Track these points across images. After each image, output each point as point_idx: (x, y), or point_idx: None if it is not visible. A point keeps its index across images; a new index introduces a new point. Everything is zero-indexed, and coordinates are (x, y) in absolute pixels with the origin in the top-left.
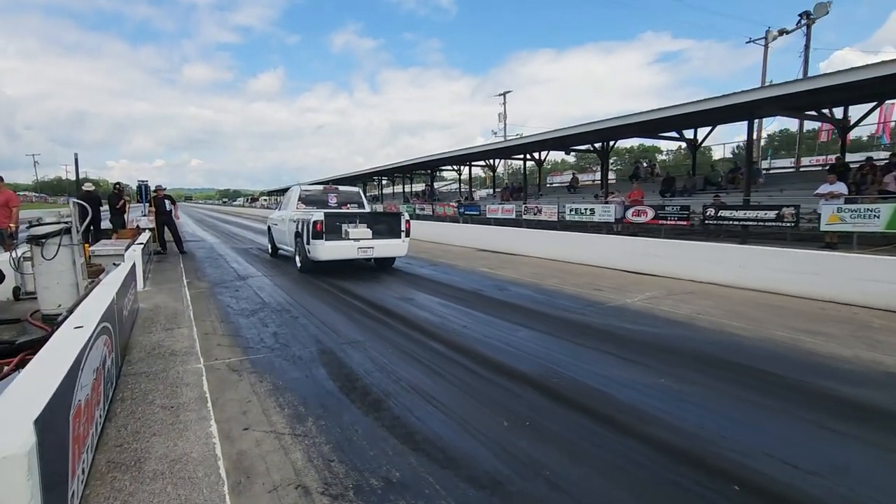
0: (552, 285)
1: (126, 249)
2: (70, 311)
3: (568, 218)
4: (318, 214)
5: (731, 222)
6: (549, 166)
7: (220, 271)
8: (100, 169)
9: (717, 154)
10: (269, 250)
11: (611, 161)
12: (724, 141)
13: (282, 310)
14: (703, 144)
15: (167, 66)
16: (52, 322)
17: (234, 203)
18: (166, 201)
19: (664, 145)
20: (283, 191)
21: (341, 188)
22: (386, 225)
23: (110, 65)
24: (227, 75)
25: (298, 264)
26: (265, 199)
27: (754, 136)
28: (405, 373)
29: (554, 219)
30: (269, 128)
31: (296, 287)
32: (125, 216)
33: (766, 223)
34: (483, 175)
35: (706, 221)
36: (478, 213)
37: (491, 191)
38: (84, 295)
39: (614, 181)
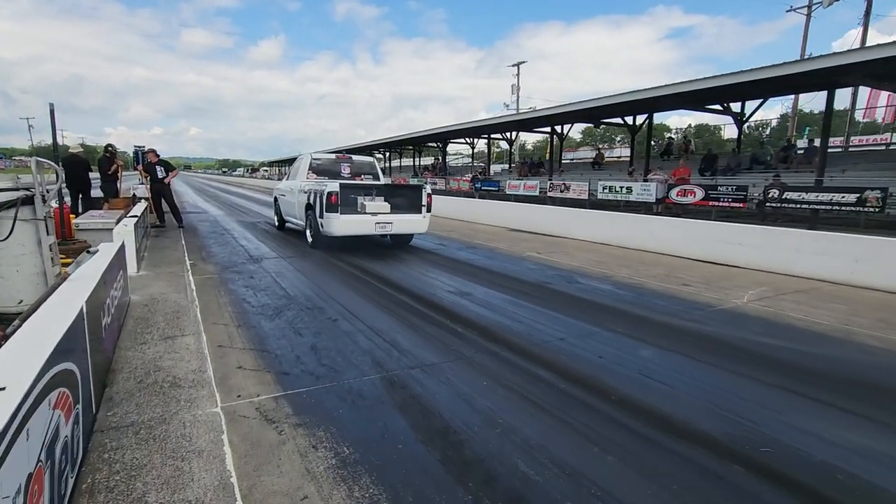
0: (627, 277)
1: (117, 222)
2: (30, 313)
3: (600, 196)
4: (332, 185)
5: (796, 205)
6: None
7: (227, 250)
8: (97, 135)
9: (728, 133)
10: (276, 223)
11: (627, 138)
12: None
13: (313, 307)
14: (751, 118)
15: (165, 30)
16: (7, 323)
17: (234, 173)
18: (158, 168)
19: (673, 123)
20: (286, 161)
21: (355, 157)
22: (405, 199)
23: (106, 27)
24: (227, 42)
25: (310, 239)
26: (266, 170)
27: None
28: (531, 430)
29: (583, 196)
30: (270, 97)
31: (321, 273)
32: (118, 183)
33: (842, 207)
34: (492, 150)
35: (767, 203)
36: (496, 188)
37: (506, 166)
38: (50, 290)
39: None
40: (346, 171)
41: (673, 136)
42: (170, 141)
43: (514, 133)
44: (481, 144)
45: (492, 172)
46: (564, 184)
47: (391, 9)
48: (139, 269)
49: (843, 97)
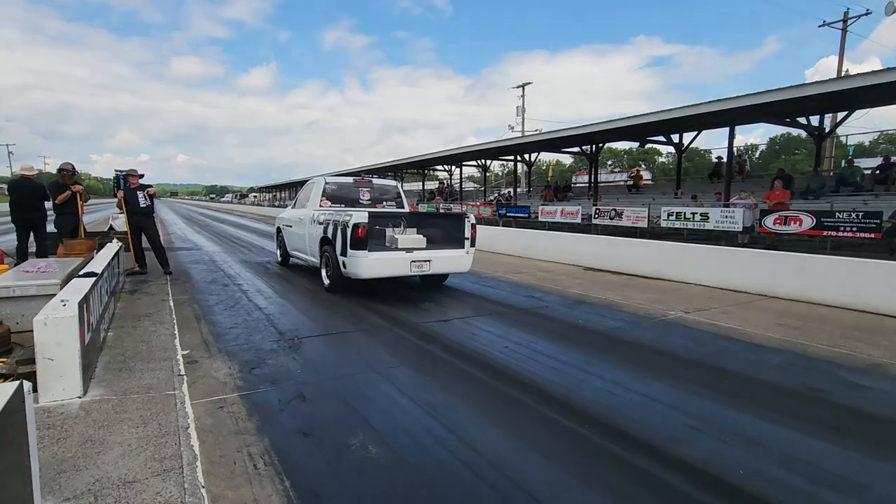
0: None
1: (64, 282)
2: None
3: (664, 224)
4: (359, 215)
5: None
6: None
7: (240, 318)
8: (84, 163)
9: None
10: (279, 257)
11: (618, 162)
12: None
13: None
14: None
15: (155, 58)
16: None
17: (223, 199)
18: (139, 195)
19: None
20: (277, 187)
21: (376, 181)
22: (443, 230)
23: (95, 56)
24: (218, 70)
25: (326, 281)
26: (255, 196)
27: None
28: None
29: (639, 224)
30: (259, 123)
31: (428, 379)
32: (79, 215)
33: None
34: (483, 174)
35: None
36: (525, 215)
37: (519, 189)
38: None
39: (649, 181)
40: (365, 196)
41: (720, 157)
42: (157, 167)
43: (533, 155)
44: (464, 168)
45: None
46: (615, 210)
47: (380, 38)
48: (86, 387)
49: None
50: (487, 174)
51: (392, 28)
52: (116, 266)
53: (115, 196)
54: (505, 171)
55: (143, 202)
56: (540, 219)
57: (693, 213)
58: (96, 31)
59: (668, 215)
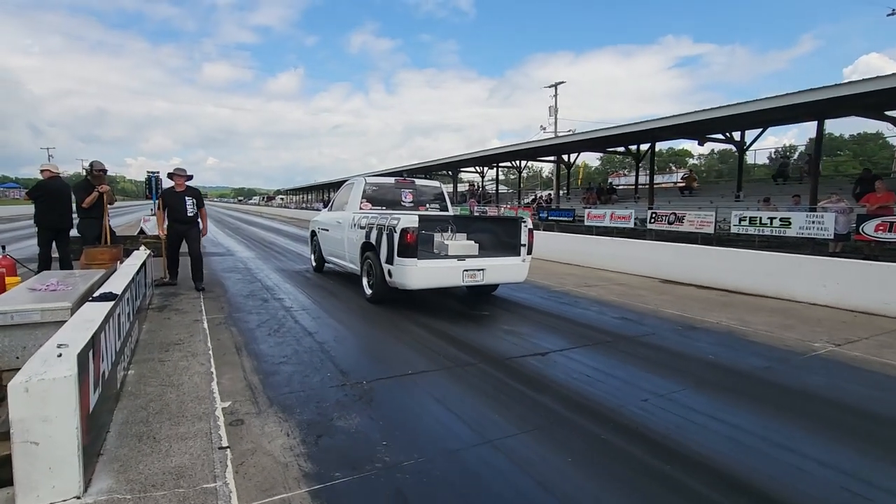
0: None
1: (76, 306)
2: None
3: (734, 230)
4: (407, 219)
5: None
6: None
7: (289, 348)
8: (119, 166)
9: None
10: (313, 263)
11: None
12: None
13: None
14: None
15: (187, 65)
16: None
17: (250, 202)
18: (187, 201)
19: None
20: (303, 189)
21: (418, 182)
22: (494, 236)
23: (131, 63)
24: (247, 74)
25: (368, 291)
26: (282, 199)
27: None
28: None
29: (704, 230)
30: (285, 127)
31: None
32: (104, 220)
33: None
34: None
35: None
36: (569, 218)
37: (553, 191)
38: None
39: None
40: (407, 198)
41: (789, 155)
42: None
43: (572, 156)
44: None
45: (533, 197)
46: (674, 213)
47: (404, 41)
48: (89, 476)
49: None
50: (513, 177)
51: (416, 31)
52: (144, 278)
53: (153, 200)
54: (529, 174)
55: (190, 209)
56: (586, 223)
57: (771, 219)
58: (133, 39)
59: (740, 220)
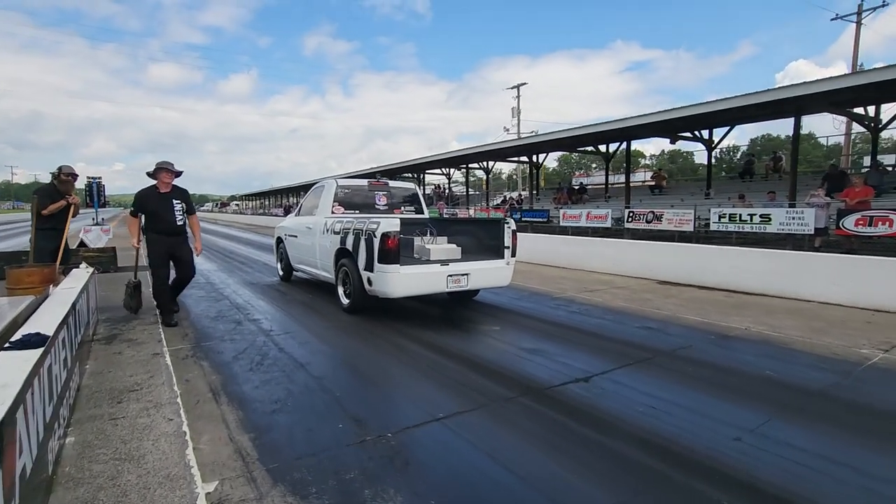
0: None
1: None
2: None
3: (713, 227)
4: (388, 223)
5: None
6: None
7: (283, 391)
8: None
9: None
10: (280, 271)
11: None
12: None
13: None
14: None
15: (131, 65)
16: None
17: (202, 208)
18: (175, 205)
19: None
20: (261, 195)
21: (392, 183)
22: (476, 238)
23: (68, 63)
24: (197, 76)
25: (344, 301)
26: (237, 204)
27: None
28: None
29: (682, 227)
30: (240, 131)
31: None
32: (64, 233)
33: None
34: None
35: None
36: (544, 219)
37: (524, 192)
38: None
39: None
40: (381, 201)
41: (752, 154)
42: (132, 176)
43: (540, 156)
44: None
45: (500, 199)
46: (653, 212)
47: (362, 43)
48: None
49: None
50: (473, 179)
51: (374, 33)
52: (87, 304)
53: (94, 208)
54: (492, 176)
55: (179, 217)
56: (561, 223)
57: (751, 215)
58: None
59: (720, 217)
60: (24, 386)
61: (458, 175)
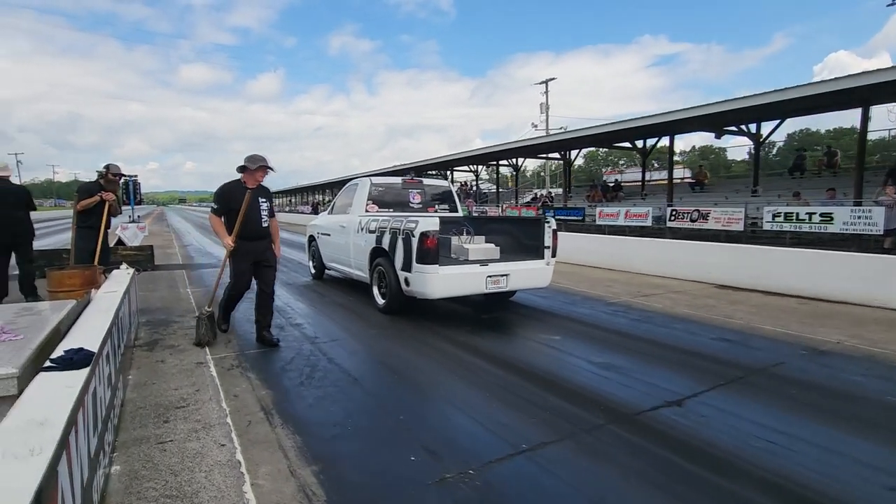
0: None
1: (23, 373)
2: None
3: (766, 226)
4: (427, 222)
5: None
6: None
7: (340, 411)
8: (91, 172)
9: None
10: (312, 270)
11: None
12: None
13: None
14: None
15: (163, 67)
16: None
17: None
18: (262, 203)
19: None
20: (289, 192)
21: (427, 181)
22: (513, 238)
23: (104, 66)
24: (226, 76)
25: (380, 301)
26: None
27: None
28: None
29: (733, 227)
30: (265, 130)
31: None
32: (101, 229)
33: None
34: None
35: None
36: (579, 217)
37: (552, 189)
38: None
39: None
40: (415, 199)
41: (802, 149)
42: (165, 175)
43: (572, 152)
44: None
45: (530, 197)
46: (698, 211)
47: (385, 42)
48: None
49: None
50: (496, 176)
51: (396, 32)
52: (128, 309)
53: (130, 206)
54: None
55: (265, 219)
56: (597, 222)
57: (809, 214)
58: (105, 41)
59: (774, 216)
60: (68, 425)
61: (483, 172)
